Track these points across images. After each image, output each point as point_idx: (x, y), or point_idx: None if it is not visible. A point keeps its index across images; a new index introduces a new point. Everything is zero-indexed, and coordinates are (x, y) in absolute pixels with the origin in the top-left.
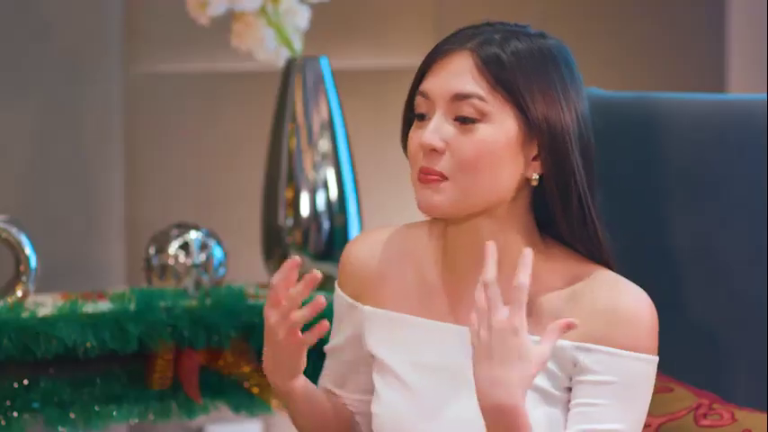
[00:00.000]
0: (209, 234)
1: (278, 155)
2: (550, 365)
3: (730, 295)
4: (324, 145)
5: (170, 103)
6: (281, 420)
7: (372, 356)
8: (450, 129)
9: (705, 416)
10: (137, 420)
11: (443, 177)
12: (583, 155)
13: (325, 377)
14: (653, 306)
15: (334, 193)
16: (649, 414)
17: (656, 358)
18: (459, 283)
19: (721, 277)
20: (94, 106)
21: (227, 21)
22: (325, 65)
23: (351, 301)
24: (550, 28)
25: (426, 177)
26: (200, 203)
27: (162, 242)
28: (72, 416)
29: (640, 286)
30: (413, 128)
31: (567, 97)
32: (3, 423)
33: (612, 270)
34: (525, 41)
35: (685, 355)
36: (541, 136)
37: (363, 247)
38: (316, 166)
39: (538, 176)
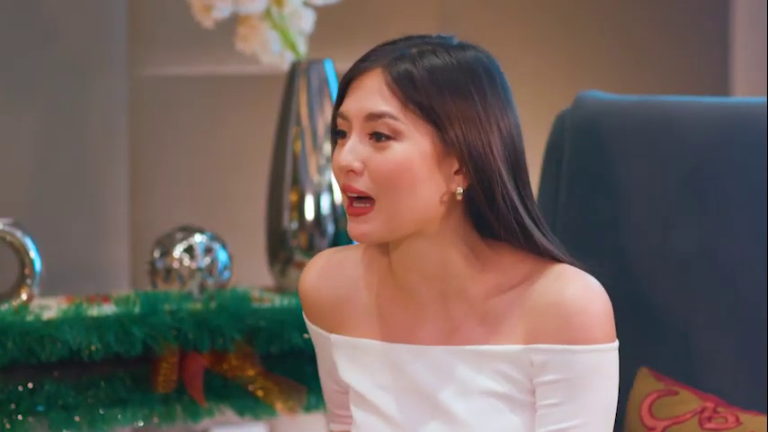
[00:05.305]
0: (214, 237)
1: (282, 158)
2: (510, 370)
3: (732, 297)
4: (328, 148)
5: (175, 106)
6: (285, 423)
7: (347, 384)
8: (365, 148)
9: (710, 419)
10: (141, 424)
11: (368, 197)
12: (508, 165)
13: (329, 402)
14: (602, 293)
15: (338, 197)
16: (654, 417)
17: (613, 345)
18: (410, 301)
19: (723, 279)
20: (99, 109)
21: (231, 24)
22: (329, 68)
23: (319, 330)
24: (553, 30)
25: (353, 209)
26: (205, 206)
27: (167, 245)
28: (77, 419)
29: (643, 288)
30: (336, 147)
31: (486, 111)
32: (7, 426)
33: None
34: (443, 56)
35: (687, 358)
36: (460, 152)
37: (315, 276)
38: (320, 170)
39: (462, 190)
